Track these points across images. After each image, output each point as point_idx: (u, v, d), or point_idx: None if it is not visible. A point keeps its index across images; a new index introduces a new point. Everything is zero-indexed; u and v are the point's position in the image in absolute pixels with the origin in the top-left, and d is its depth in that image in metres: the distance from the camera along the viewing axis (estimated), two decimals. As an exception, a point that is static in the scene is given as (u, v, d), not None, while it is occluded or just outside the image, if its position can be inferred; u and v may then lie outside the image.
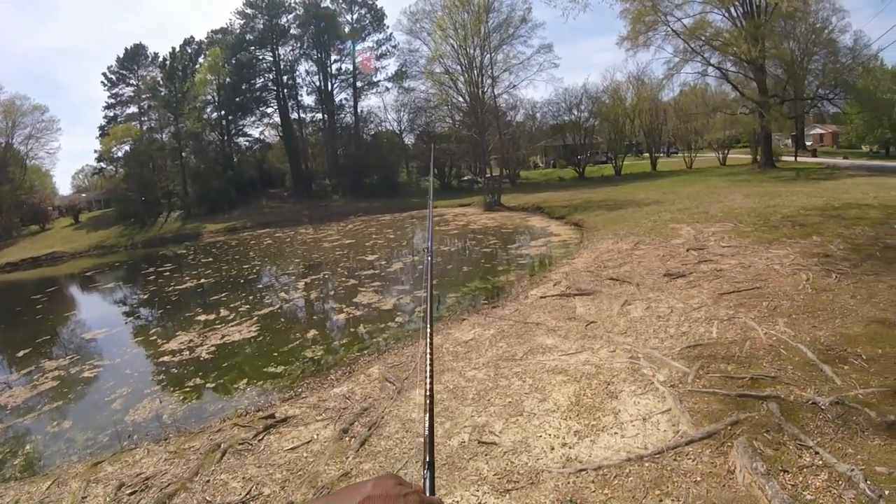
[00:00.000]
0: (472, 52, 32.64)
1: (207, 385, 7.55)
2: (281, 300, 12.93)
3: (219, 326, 10.75)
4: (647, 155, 49.78)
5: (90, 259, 32.76)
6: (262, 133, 53.81)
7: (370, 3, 50.39)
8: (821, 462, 3.34)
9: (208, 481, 4.48)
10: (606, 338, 6.28)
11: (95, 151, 54.65)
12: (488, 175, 33.26)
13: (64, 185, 67.23)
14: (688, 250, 10.18)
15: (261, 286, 15.32)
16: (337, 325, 10.11)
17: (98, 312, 15.38)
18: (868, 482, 3.04)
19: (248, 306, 12.39)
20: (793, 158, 42.32)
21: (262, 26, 49.93)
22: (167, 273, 20.65)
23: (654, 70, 63.61)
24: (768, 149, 36.29)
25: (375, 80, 51.10)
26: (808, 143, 56.15)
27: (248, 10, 49.86)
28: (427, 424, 0.84)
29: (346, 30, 49.70)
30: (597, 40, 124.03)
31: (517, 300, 8.76)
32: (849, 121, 47.61)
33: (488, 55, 33.37)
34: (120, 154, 49.62)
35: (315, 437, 5.01)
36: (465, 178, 45.50)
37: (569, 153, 48.47)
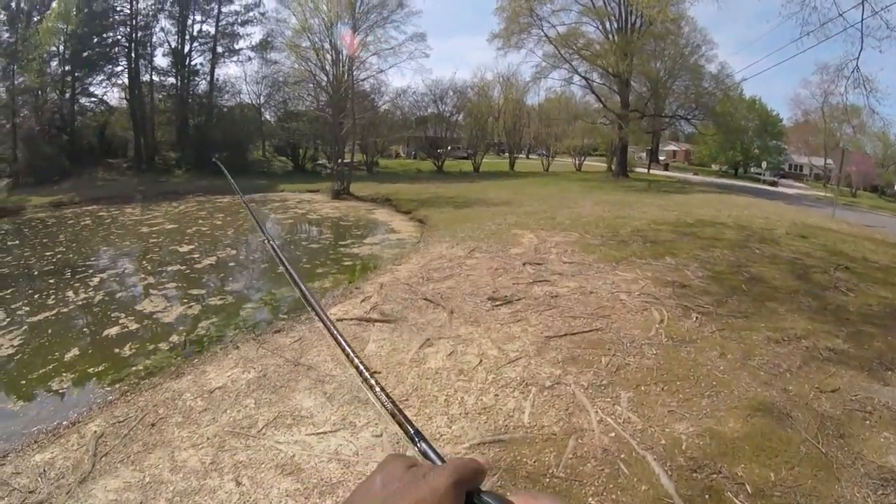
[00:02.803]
0: (340, 29, 30.73)
1: None
2: (63, 302, 10.53)
3: None
4: (507, 155, 50.12)
5: None
6: (105, 94, 47.79)
7: (242, -40, 45.51)
8: None
9: None
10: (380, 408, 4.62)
11: None
12: (340, 161, 31.34)
13: None
14: (524, 264, 8.96)
15: (52, 280, 12.54)
16: (104, 342, 8.11)
17: None
18: None
19: (27, 308, 10.24)
20: (646, 170, 44.55)
21: None
22: None
23: (523, 72, 64.30)
24: (623, 159, 38.27)
25: (237, 47, 47.12)
26: (661, 158, 60.10)
27: None
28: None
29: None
30: (474, 38, 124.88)
31: (310, 322, 7.08)
32: (703, 141, 51.32)
33: (359, 36, 31.62)
34: None
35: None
36: (320, 161, 43.12)
37: (429, 145, 47.63)
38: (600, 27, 34.80)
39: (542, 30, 34.28)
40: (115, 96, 48.48)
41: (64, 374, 6.95)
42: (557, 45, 34.24)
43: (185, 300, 9.90)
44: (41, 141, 40.42)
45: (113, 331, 8.47)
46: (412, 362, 5.51)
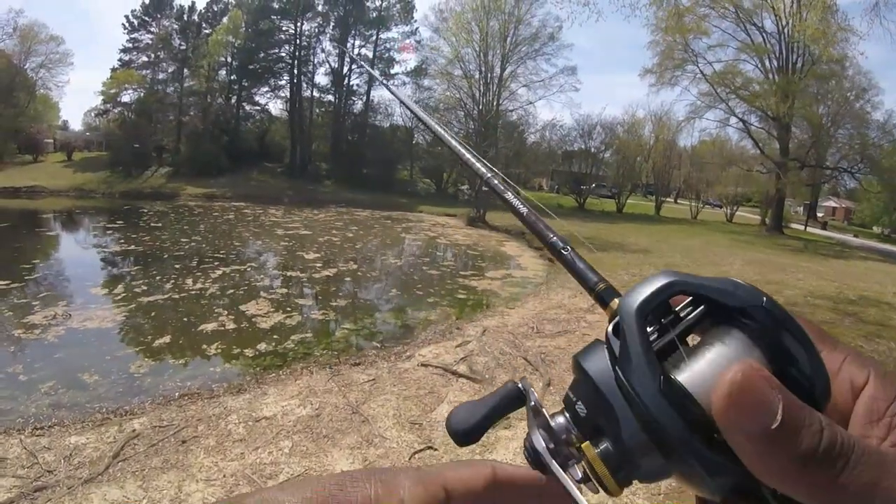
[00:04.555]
0: (492, 60, 30.78)
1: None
2: (179, 288, 10.76)
3: (92, 307, 9.06)
4: (653, 197, 47.31)
5: (68, 199, 31.64)
6: (267, 104, 52.02)
7: (403, -9, 47.83)
8: None
9: None
10: None
11: (96, 93, 52.56)
12: (478, 188, 31.00)
13: (76, 121, 65.33)
14: None
15: (178, 266, 13.03)
16: (196, 336, 7.98)
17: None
18: None
19: (145, 287, 10.67)
20: (802, 227, 40.23)
21: None
22: (111, 230, 19.49)
23: (676, 111, 60.21)
24: (779, 213, 34.20)
25: (393, 72, 49.07)
26: (819, 214, 53.91)
27: None
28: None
29: (374, 16, 47.69)
30: (626, 75, 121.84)
31: (396, 358, 6.30)
32: (866, 199, 45.40)
33: (509, 67, 31.54)
34: (126, 99, 47.41)
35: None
36: (463, 186, 43.09)
37: (573, 181, 45.72)
38: (759, 65, 31.63)
39: (698, 66, 31.74)
40: (277, 107, 52.45)
41: (145, 360, 6.90)
42: (713, 84, 31.52)
43: (290, 308, 9.55)
44: (204, 139, 44.01)
45: (209, 326, 8.31)
46: (480, 446, 4.39)
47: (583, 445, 0.41)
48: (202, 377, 6.32)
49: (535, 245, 19.59)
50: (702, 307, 0.41)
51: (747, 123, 33.20)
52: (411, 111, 0.91)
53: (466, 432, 0.47)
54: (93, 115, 54.97)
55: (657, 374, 0.37)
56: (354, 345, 7.62)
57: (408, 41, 48.00)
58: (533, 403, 0.47)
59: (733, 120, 33.64)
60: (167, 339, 7.80)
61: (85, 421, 4.82)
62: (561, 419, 0.44)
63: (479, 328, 7.49)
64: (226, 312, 9.14)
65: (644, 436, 0.38)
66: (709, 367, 0.37)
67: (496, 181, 0.73)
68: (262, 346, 7.48)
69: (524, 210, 0.66)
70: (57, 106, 53.82)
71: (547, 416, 0.45)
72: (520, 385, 0.49)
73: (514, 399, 0.48)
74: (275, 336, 7.98)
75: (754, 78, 31.88)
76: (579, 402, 0.43)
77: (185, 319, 9.01)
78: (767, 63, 31.13)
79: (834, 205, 60.69)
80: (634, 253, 16.74)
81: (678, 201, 56.35)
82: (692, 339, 0.42)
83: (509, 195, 0.69)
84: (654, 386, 0.36)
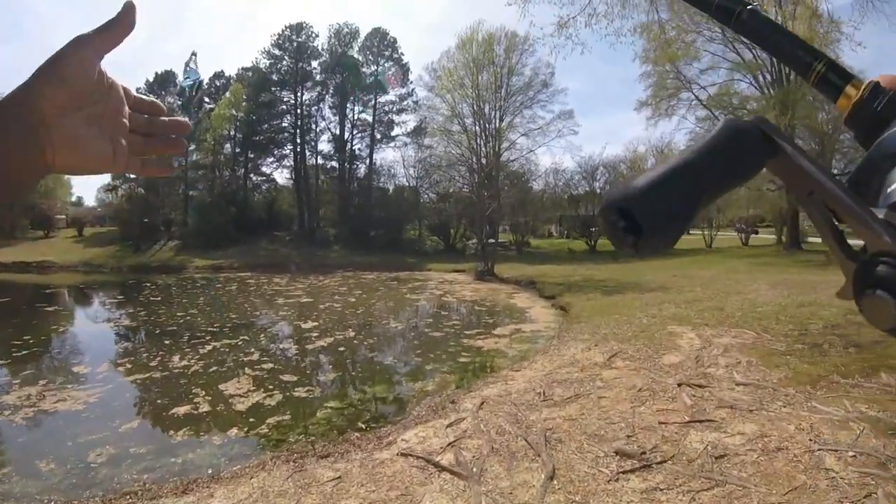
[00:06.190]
0: (488, 112, 30.70)
1: None
2: (163, 366, 10.18)
3: (69, 387, 8.74)
4: None
5: (77, 274, 32.73)
6: (272, 173, 53.13)
7: (396, 56, 49.37)
8: None
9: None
10: None
11: None
12: (485, 241, 30.24)
13: (90, 197, 67.51)
14: (679, 385, 6.43)
15: (168, 342, 12.40)
16: (165, 420, 7.38)
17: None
18: None
19: (129, 366, 10.36)
20: (820, 240, 39.02)
21: (286, 68, 49.47)
22: (109, 306, 19.82)
23: (677, 141, 58.95)
24: (795, 228, 33.09)
25: (393, 134, 50.27)
26: (833, 222, 53.01)
27: (276, 51, 49.55)
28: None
29: (370, 81, 48.72)
30: (625, 113, 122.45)
31: (374, 446, 5.27)
32: None
33: (506, 118, 31.42)
34: (133, 175, 47.77)
35: None
36: (470, 241, 42.47)
37: (582, 224, 45.00)
38: (753, 82, 31.17)
39: (692, 92, 31.18)
40: (283, 176, 53.43)
41: (105, 448, 6.25)
42: (710, 108, 30.69)
43: (271, 386, 8.65)
44: (211, 211, 44.44)
45: (182, 410, 7.60)
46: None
47: None
48: (161, 469, 5.62)
49: (545, 294, 18.65)
50: None
51: (750, 142, 32.59)
52: None
53: (669, 215, 0.39)
54: (103, 191, 56.26)
55: None
56: (337, 427, 6.65)
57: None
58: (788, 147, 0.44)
59: (735, 141, 33.07)
60: (135, 423, 7.19)
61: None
62: None
63: (476, 400, 6.39)
64: (203, 393, 8.34)
65: None
66: None
67: None
68: (233, 432, 6.61)
69: None
70: (68, 183, 55.39)
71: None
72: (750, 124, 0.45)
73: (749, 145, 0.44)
74: (250, 419, 7.10)
75: (751, 95, 31.27)
76: None
77: (159, 401, 8.33)
78: (761, 78, 30.59)
79: (849, 212, 59.71)
80: (652, 291, 15.60)
81: (690, 231, 55.62)
82: None
83: None
84: None
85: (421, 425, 5.73)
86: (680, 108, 32.46)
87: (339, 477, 4.48)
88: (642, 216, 0.38)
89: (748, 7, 0.54)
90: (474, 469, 4.45)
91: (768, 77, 30.36)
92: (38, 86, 0.54)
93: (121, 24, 0.59)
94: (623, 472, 4.22)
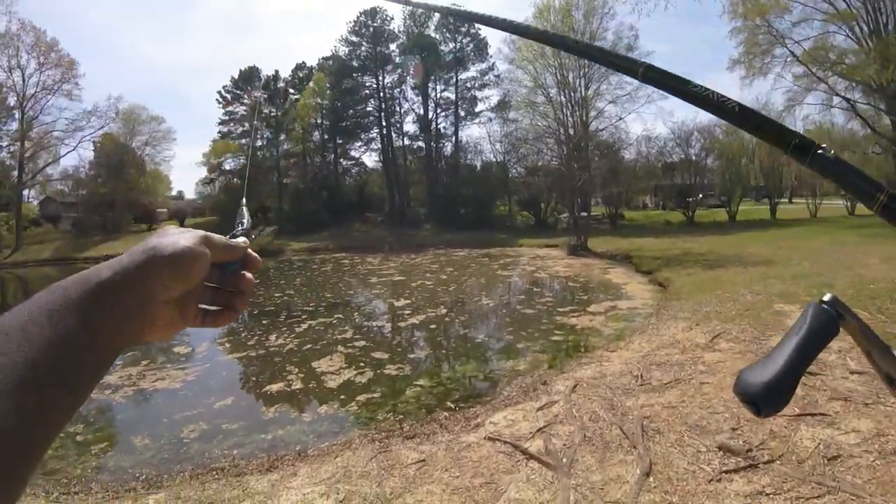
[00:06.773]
0: (573, 81, 29.56)
1: None
2: (260, 345, 10.55)
3: (169, 367, 9.19)
4: (766, 200, 43.64)
5: None
6: (361, 157, 54.79)
7: (473, 31, 48.90)
8: None
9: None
10: None
11: (196, 164, 57.07)
12: (577, 214, 29.30)
13: (189, 191, 72.02)
14: None
15: (266, 322, 12.86)
16: (259, 397, 7.59)
17: None
18: None
19: (228, 345, 10.89)
20: None
21: (365, 53, 50.46)
22: None
23: (774, 101, 53.83)
24: None
25: (477, 110, 50.27)
26: None
27: (353, 38, 50.51)
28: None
29: (449, 59, 49.00)
30: (720, 74, 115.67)
31: (462, 428, 5.08)
32: None
33: (592, 85, 30.21)
34: (228, 166, 52.13)
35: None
36: (563, 215, 41.31)
37: (678, 194, 43.02)
38: (850, 34, 28.12)
39: (787, 47, 28.70)
40: (372, 159, 55.24)
41: (199, 424, 6.44)
42: (807, 64, 28.23)
43: (363, 364, 8.67)
44: (305, 196, 46.68)
45: (275, 387, 7.76)
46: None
47: None
48: (250, 445, 5.72)
49: (642, 269, 17.78)
50: None
51: (851, 101, 29.36)
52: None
53: (770, 390, 0.48)
54: (201, 184, 59.43)
55: None
56: (425, 405, 6.51)
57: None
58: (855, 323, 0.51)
59: (836, 100, 29.67)
60: (229, 400, 7.32)
61: (108, 491, 4.68)
62: None
63: (569, 382, 6.03)
64: (296, 370, 8.50)
65: None
66: None
67: None
68: (323, 410, 6.64)
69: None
70: (167, 178, 58.58)
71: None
72: (826, 304, 0.51)
73: (824, 326, 0.50)
74: (341, 396, 7.12)
75: (848, 48, 28.24)
76: None
77: (254, 379, 8.60)
78: (857, 30, 27.71)
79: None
80: (756, 265, 14.48)
81: (793, 201, 51.81)
82: None
83: None
84: None
85: (511, 407, 5.46)
86: (775, 66, 29.98)
87: (424, 460, 4.30)
88: (766, 409, 0.49)
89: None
90: (564, 459, 4.12)
91: (865, 29, 27.50)
92: (156, 269, 0.54)
93: (238, 250, 0.68)
94: (726, 472, 3.76)
